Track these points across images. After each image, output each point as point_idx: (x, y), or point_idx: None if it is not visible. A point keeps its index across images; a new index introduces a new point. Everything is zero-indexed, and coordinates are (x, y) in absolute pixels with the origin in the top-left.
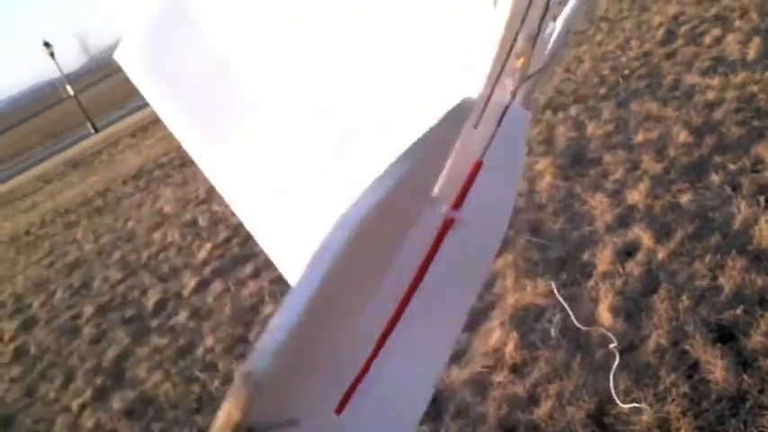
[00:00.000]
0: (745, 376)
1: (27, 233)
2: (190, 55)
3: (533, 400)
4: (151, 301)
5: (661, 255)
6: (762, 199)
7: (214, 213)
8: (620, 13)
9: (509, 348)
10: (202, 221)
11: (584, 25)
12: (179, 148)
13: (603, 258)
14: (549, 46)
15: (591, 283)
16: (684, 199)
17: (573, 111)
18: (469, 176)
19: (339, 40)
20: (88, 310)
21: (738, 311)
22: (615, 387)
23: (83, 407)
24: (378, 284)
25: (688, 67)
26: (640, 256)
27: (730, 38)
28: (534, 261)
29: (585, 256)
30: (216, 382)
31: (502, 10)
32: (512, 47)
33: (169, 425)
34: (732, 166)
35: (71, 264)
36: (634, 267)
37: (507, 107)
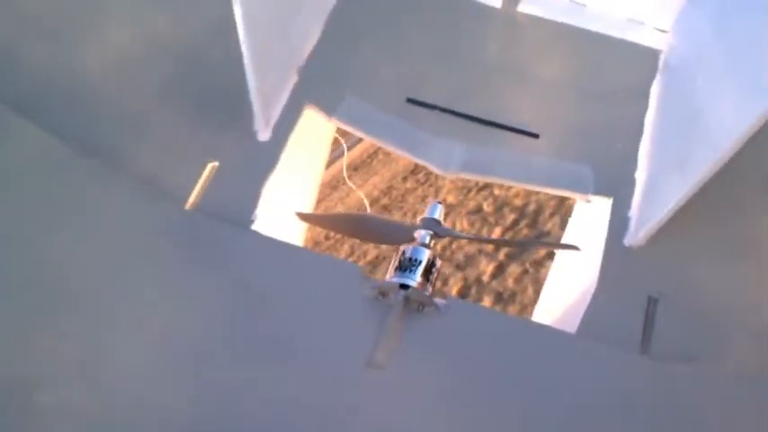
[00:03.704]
0: None
1: (326, 238)
2: None
3: None
4: (453, 289)
5: None
6: None
7: (497, 198)
8: None
9: None
10: (487, 207)
11: None
12: None
13: None
14: None
15: None
16: None
17: None
18: None
19: None
20: None
21: None
22: None
23: None
24: None
25: None
26: None
27: None
28: None
29: None
30: None
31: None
32: None
33: None
34: None
35: (372, 262)
36: None
37: None
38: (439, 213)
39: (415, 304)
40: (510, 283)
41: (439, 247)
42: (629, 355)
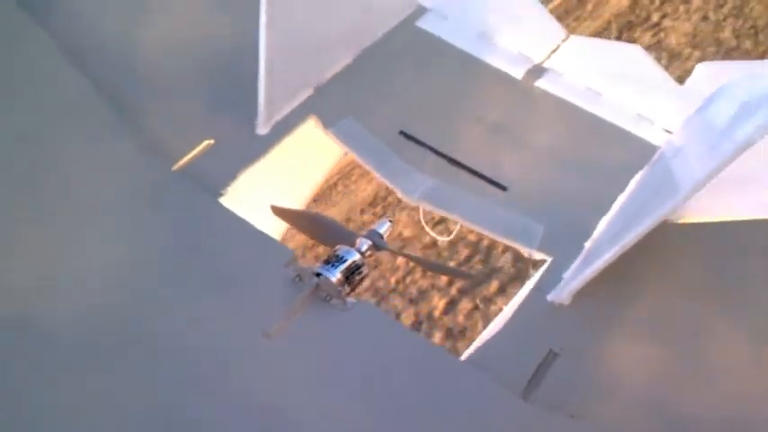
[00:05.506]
0: None
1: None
2: None
3: None
4: (406, 323)
5: None
6: None
7: (451, 233)
8: None
9: None
10: (441, 242)
11: None
12: None
13: None
14: None
15: None
16: None
17: None
18: None
19: None
20: None
21: None
22: None
23: None
24: None
25: None
26: None
27: None
28: None
29: None
30: None
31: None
32: None
33: None
34: None
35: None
36: None
37: None
38: (385, 230)
39: (324, 293)
40: (461, 318)
41: (393, 280)
42: (506, 393)
